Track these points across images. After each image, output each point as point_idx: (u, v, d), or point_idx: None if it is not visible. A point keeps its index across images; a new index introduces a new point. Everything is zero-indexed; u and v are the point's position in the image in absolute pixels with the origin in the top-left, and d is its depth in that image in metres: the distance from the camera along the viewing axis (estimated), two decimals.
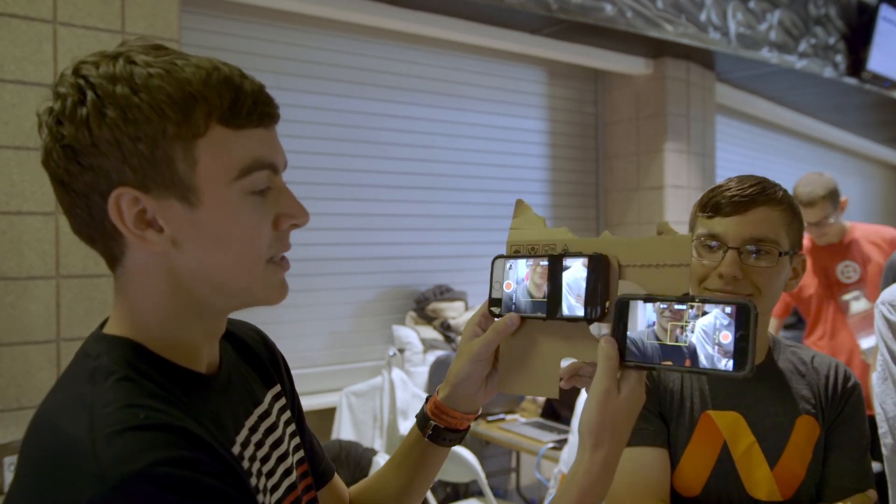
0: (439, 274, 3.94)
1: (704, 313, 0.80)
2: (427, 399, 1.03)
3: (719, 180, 1.42)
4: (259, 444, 0.84)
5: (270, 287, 0.80)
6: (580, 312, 0.87)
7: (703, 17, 4.04)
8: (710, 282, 1.27)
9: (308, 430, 1.02)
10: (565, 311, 0.89)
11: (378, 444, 3.18)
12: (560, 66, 4.45)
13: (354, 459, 2.87)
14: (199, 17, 3.15)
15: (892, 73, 5.31)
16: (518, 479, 3.96)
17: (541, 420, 3.34)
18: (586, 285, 0.87)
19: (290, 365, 1.03)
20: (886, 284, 2.51)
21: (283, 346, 1.05)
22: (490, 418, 3.38)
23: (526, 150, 4.41)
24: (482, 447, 3.53)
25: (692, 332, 0.80)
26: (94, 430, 0.66)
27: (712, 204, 1.29)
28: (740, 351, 0.78)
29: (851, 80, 5.13)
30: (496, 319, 0.94)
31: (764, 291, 1.26)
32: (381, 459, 2.84)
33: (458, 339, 3.62)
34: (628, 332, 0.84)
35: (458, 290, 3.83)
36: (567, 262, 0.89)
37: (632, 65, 4.39)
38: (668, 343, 0.82)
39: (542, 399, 3.53)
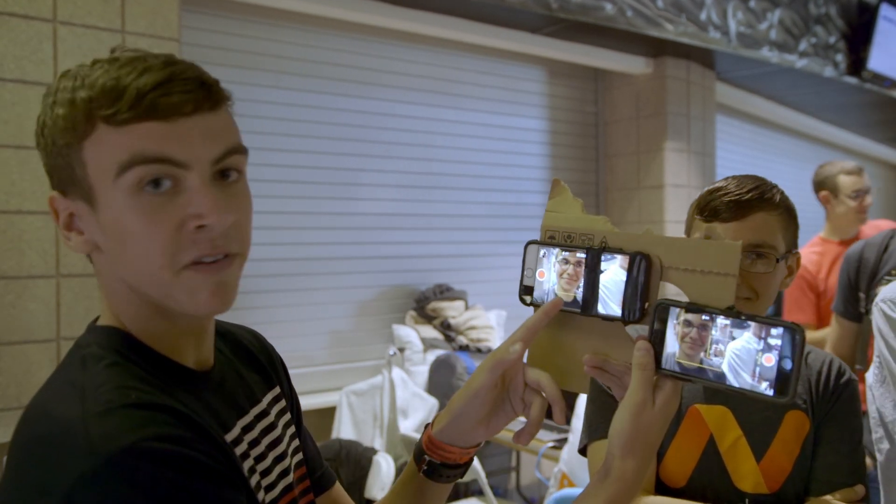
0: (439, 273, 3.94)
1: (740, 328, 0.76)
2: (425, 427, 0.96)
3: (719, 179, 1.42)
4: (254, 443, 0.83)
5: (191, 293, 0.73)
6: (617, 312, 0.84)
7: (703, 16, 4.04)
8: None
9: (307, 435, 1.00)
10: (601, 308, 0.85)
11: (378, 444, 3.17)
12: (560, 65, 4.44)
13: (354, 458, 2.87)
14: (200, 16, 3.15)
15: (893, 72, 5.31)
16: (518, 479, 3.96)
17: None
18: (626, 285, 0.84)
19: (290, 364, 1.02)
20: (843, 280, 2.47)
21: (282, 346, 1.05)
22: None
23: (526, 149, 4.41)
24: (482, 446, 3.52)
25: (726, 347, 0.77)
26: (85, 411, 0.66)
27: (710, 208, 1.29)
28: (783, 377, 0.74)
29: (852, 80, 5.12)
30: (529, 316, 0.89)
31: (761, 295, 1.27)
32: (381, 459, 2.84)
33: (459, 338, 3.62)
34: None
35: (458, 290, 3.83)
36: (606, 256, 0.85)
37: (632, 64, 4.39)
38: (701, 355, 0.78)
39: None
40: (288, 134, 3.40)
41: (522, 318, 0.92)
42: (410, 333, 3.62)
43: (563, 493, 2.10)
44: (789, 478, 1.30)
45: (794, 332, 0.74)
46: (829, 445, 1.33)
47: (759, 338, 0.75)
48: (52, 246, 2.39)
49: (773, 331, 0.75)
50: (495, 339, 3.75)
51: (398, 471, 2.95)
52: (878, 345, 1.64)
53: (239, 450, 0.79)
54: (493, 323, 3.83)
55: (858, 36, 5.11)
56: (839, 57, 5.03)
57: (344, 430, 3.27)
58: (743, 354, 0.76)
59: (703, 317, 0.78)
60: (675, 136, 4.44)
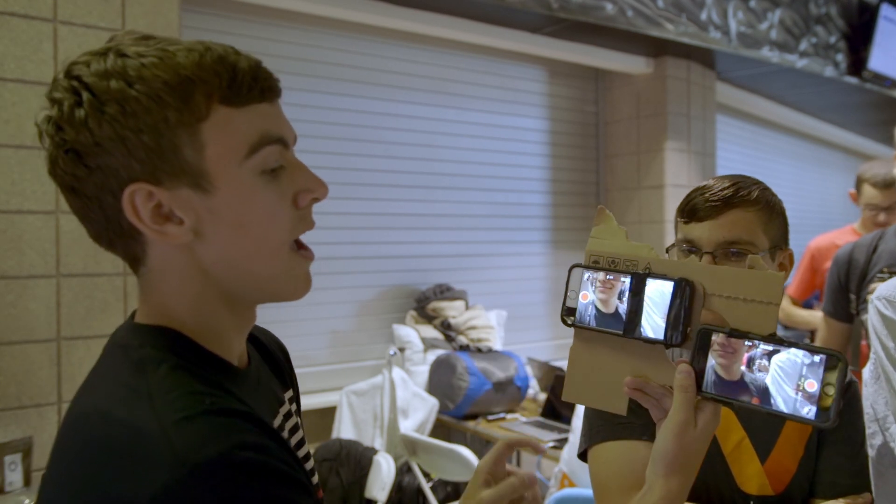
0: (440, 273, 3.94)
1: (777, 352, 0.79)
2: None
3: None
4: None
5: (295, 278, 0.77)
6: (660, 336, 0.86)
7: (703, 16, 4.04)
8: None
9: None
10: (644, 331, 0.87)
11: (378, 444, 3.17)
12: (561, 65, 4.44)
13: (355, 458, 2.87)
14: (201, 15, 3.15)
15: (893, 72, 5.31)
16: None
17: (541, 419, 3.34)
18: (669, 309, 0.86)
19: (291, 364, 1.02)
20: (832, 281, 2.45)
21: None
22: (490, 417, 3.37)
23: (526, 149, 4.41)
24: (482, 446, 3.53)
25: (766, 371, 0.79)
26: (160, 418, 0.64)
27: (689, 209, 1.28)
28: (826, 402, 0.76)
29: (852, 80, 5.12)
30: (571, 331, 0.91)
31: None
32: (381, 458, 2.84)
33: (459, 338, 3.62)
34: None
35: (458, 290, 3.82)
36: (650, 281, 0.88)
37: (632, 64, 4.39)
38: (741, 379, 0.81)
39: (542, 398, 3.53)
40: None
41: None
42: (411, 333, 3.62)
43: (564, 493, 2.09)
44: (794, 479, 1.29)
45: (837, 358, 0.76)
46: (834, 447, 1.32)
47: (803, 363, 0.77)
48: (53, 246, 2.39)
49: (817, 357, 0.77)
50: (495, 339, 3.75)
51: (398, 470, 2.95)
52: (873, 343, 1.64)
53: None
54: (493, 323, 3.83)
55: (859, 36, 5.12)
56: (840, 57, 5.03)
57: (344, 429, 3.27)
58: (788, 367, 0.78)
59: (745, 343, 0.81)
60: (676, 136, 4.44)
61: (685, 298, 0.85)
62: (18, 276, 2.33)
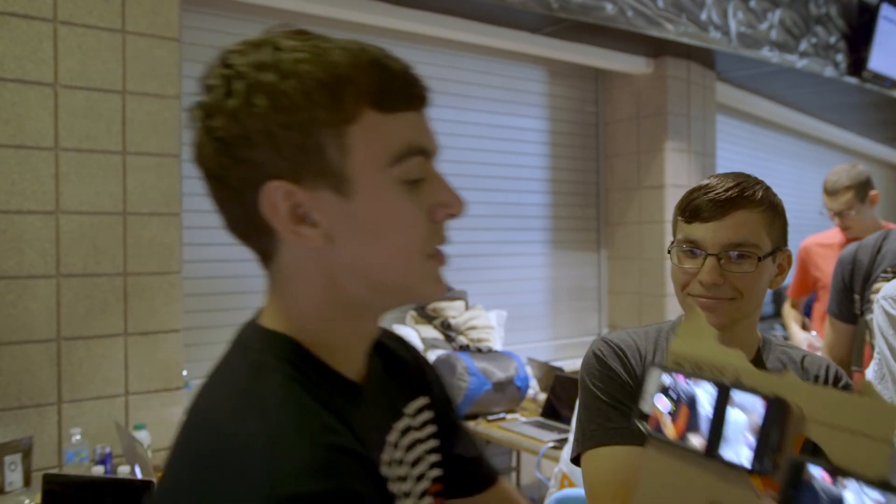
0: None
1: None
2: None
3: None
4: (397, 462, 0.80)
5: (429, 282, 0.74)
6: (745, 462, 0.76)
7: (703, 16, 4.04)
8: (692, 288, 1.25)
9: (465, 436, 0.97)
10: (726, 453, 0.77)
11: None
12: (560, 65, 4.44)
13: None
14: (201, 15, 3.15)
15: (893, 72, 5.31)
16: (518, 479, 3.95)
17: (541, 419, 3.34)
18: (759, 432, 0.75)
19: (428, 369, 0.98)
20: (837, 282, 2.46)
21: None
22: (490, 417, 3.37)
23: (526, 149, 4.41)
24: (482, 446, 3.52)
25: None
26: (268, 435, 0.63)
27: (691, 208, 1.26)
28: None
29: (852, 80, 5.12)
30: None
31: (746, 295, 1.24)
32: None
33: (459, 338, 3.62)
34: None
35: (458, 290, 3.82)
36: (738, 395, 0.78)
37: (632, 64, 4.39)
38: None
39: (542, 398, 3.53)
40: None
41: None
42: (411, 333, 3.62)
43: (564, 493, 2.09)
44: None
45: None
46: None
47: None
48: (53, 246, 2.39)
49: None
50: (496, 339, 3.75)
51: None
52: (878, 342, 1.64)
53: (390, 473, 0.77)
54: (493, 323, 3.83)
55: (859, 36, 5.11)
56: (839, 57, 5.03)
57: None
58: None
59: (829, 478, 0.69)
60: (676, 136, 4.44)
61: (778, 420, 0.75)
62: (18, 276, 2.33)
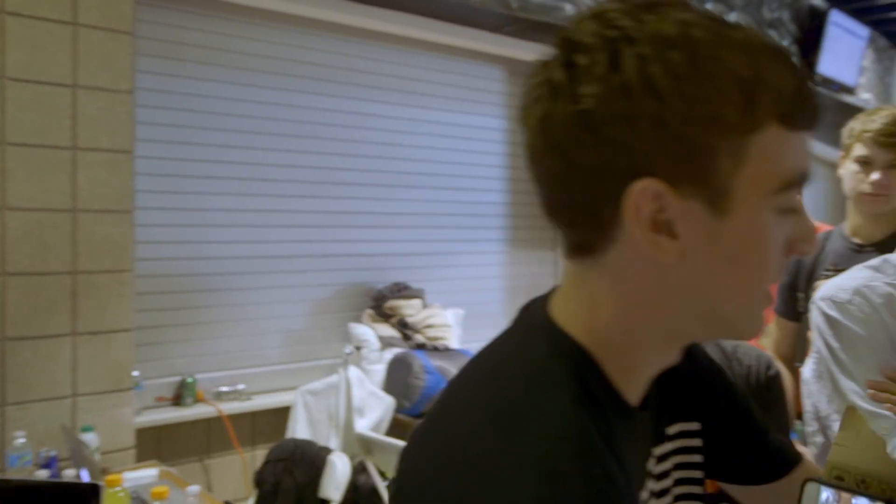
0: (396, 271, 3.92)
1: None
2: None
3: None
4: (652, 495, 0.74)
5: (756, 321, 0.65)
6: None
7: None
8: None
9: (755, 429, 0.85)
10: None
11: (333, 443, 3.16)
12: (520, 64, 4.46)
13: (309, 458, 2.86)
14: (156, 9, 3.08)
15: (841, 76, 5.45)
16: None
17: None
18: None
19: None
20: (782, 281, 2.51)
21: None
22: None
23: (486, 147, 4.42)
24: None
25: None
26: (540, 473, 0.54)
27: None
28: None
29: None
30: None
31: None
32: (335, 458, 2.83)
33: (416, 336, 3.62)
34: None
35: (415, 288, 3.82)
36: None
37: None
38: None
39: None
40: (245, 131, 3.35)
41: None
42: (367, 332, 3.61)
43: None
44: None
45: None
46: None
47: None
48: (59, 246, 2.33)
49: None
50: (452, 338, 3.76)
51: (353, 469, 2.94)
52: (817, 342, 1.68)
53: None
54: (450, 321, 3.83)
55: (809, 41, 5.23)
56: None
57: (299, 429, 3.24)
58: None
59: None
60: None
61: None
62: (18, 275, 2.28)
